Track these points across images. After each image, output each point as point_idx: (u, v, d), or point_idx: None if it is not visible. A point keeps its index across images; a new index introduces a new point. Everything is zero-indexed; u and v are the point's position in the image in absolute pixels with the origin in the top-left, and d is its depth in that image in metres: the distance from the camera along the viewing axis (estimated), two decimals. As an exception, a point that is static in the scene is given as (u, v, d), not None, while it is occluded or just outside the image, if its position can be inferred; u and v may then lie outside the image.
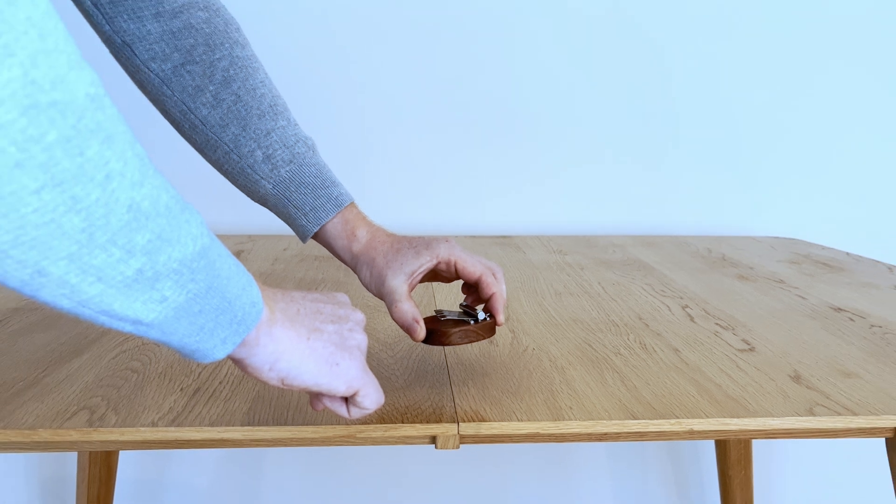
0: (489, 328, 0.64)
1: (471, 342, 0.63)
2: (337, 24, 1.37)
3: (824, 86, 1.45)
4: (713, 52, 1.42)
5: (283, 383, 0.46)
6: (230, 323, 0.41)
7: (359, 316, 0.53)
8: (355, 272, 0.67)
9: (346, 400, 0.51)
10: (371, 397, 0.50)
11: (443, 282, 0.68)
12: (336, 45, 1.38)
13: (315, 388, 0.48)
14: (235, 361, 0.45)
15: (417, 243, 0.66)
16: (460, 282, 0.68)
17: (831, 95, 1.45)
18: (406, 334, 0.65)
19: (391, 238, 0.67)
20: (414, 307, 0.62)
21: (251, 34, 0.73)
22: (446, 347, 0.73)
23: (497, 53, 1.40)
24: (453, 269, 0.65)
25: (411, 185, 1.43)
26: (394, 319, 0.62)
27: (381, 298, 0.64)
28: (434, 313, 0.67)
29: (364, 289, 0.67)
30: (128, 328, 0.37)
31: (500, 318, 0.64)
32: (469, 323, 0.63)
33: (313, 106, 1.39)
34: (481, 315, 0.64)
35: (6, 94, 0.28)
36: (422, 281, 0.67)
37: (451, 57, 1.40)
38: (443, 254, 0.64)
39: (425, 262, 0.64)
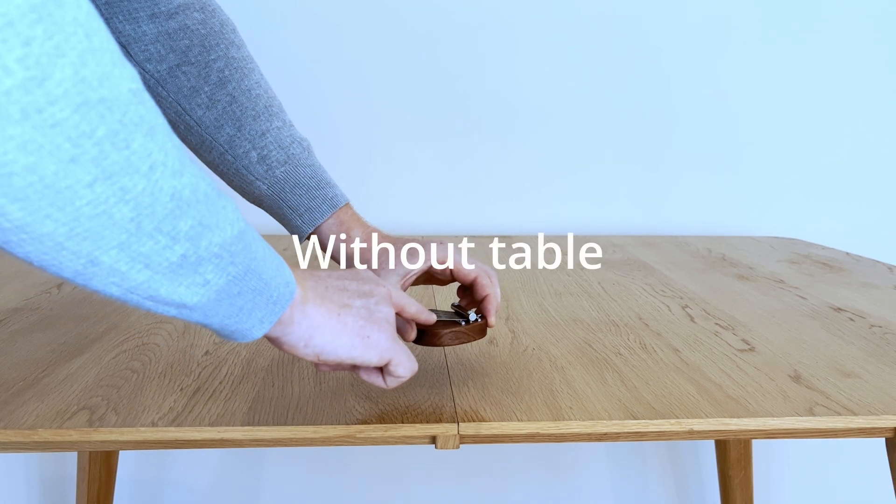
0: (480, 329, 0.64)
1: (461, 343, 0.63)
2: (338, 24, 1.37)
3: (824, 86, 1.45)
4: (713, 53, 1.42)
5: (318, 359, 0.48)
6: (266, 303, 0.43)
7: (383, 290, 0.54)
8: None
9: (381, 371, 0.53)
10: (404, 365, 0.52)
11: (438, 284, 0.68)
12: (337, 46, 1.38)
13: (349, 361, 0.50)
14: (272, 340, 0.47)
15: (412, 245, 0.66)
16: (458, 283, 0.68)
17: (831, 95, 1.45)
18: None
19: (386, 239, 0.67)
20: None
21: (249, 35, 0.73)
22: (445, 348, 0.73)
23: (497, 53, 1.40)
24: (448, 271, 0.65)
25: (411, 185, 1.43)
26: None
27: None
28: None
29: None
30: (172, 312, 0.39)
31: (492, 319, 0.64)
32: (460, 324, 0.63)
33: (313, 106, 1.39)
34: (472, 316, 0.64)
35: (60, 93, 0.30)
36: (417, 283, 0.67)
37: (451, 57, 1.40)
38: (437, 256, 0.65)
39: (418, 264, 0.64)
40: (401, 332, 0.61)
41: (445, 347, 0.73)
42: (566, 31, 1.40)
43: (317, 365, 0.52)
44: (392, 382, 0.54)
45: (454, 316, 0.65)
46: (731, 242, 1.36)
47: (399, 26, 1.38)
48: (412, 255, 0.65)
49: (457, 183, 1.44)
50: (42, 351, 0.71)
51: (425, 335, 0.62)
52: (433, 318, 0.60)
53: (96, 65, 0.31)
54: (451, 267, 0.65)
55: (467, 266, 0.65)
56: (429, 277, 0.67)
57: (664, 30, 1.41)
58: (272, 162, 0.67)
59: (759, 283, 1.03)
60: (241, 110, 0.66)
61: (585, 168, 1.45)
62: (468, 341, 0.63)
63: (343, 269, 0.55)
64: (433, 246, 0.65)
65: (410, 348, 0.56)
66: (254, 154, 0.66)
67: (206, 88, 0.66)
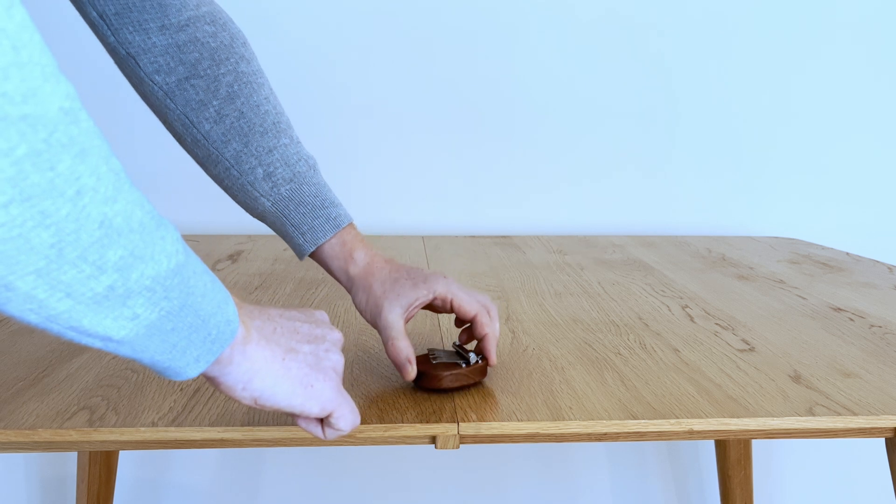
0: (481, 371, 0.63)
1: (462, 385, 0.62)
2: (338, 24, 1.37)
3: (824, 86, 1.45)
4: (713, 53, 1.42)
5: (255, 403, 0.46)
6: (204, 341, 0.41)
7: (335, 336, 0.53)
8: (350, 294, 0.67)
9: (322, 421, 0.50)
10: (346, 418, 0.50)
11: (434, 311, 0.68)
12: (336, 45, 1.38)
13: (288, 410, 0.47)
14: (209, 379, 0.44)
15: (415, 275, 0.65)
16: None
17: (831, 96, 1.45)
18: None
19: (389, 265, 0.67)
20: (409, 346, 0.61)
21: (247, 35, 0.73)
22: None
23: (497, 53, 1.40)
24: (449, 305, 0.65)
25: (412, 185, 1.43)
26: (388, 355, 0.62)
27: (376, 327, 0.63)
28: (426, 352, 0.66)
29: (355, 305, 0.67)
30: (97, 344, 0.37)
31: (493, 358, 0.64)
32: (461, 366, 0.62)
33: (313, 106, 1.39)
34: (473, 357, 0.63)
35: None
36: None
37: (451, 57, 1.40)
38: (440, 290, 0.64)
39: (421, 297, 0.64)
40: (402, 370, 0.61)
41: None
42: (567, 32, 1.40)
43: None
44: (331, 434, 0.50)
45: (455, 356, 0.65)
46: (731, 242, 1.36)
47: (400, 26, 1.38)
48: (416, 285, 0.64)
49: (457, 183, 1.44)
50: (42, 351, 0.71)
51: (426, 377, 0.61)
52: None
53: (21, 80, 0.29)
54: (453, 302, 0.65)
55: (468, 303, 0.65)
56: (428, 307, 0.67)
57: (664, 30, 1.41)
58: (277, 179, 0.66)
59: (759, 283, 1.03)
60: (248, 126, 0.66)
61: (585, 168, 1.45)
62: (469, 383, 0.62)
63: (297, 310, 0.53)
64: (437, 279, 0.65)
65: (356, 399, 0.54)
66: (259, 171, 0.66)
67: (215, 102, 0.65)
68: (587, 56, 1.41)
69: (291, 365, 0.47)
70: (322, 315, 0.55)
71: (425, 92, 1.41)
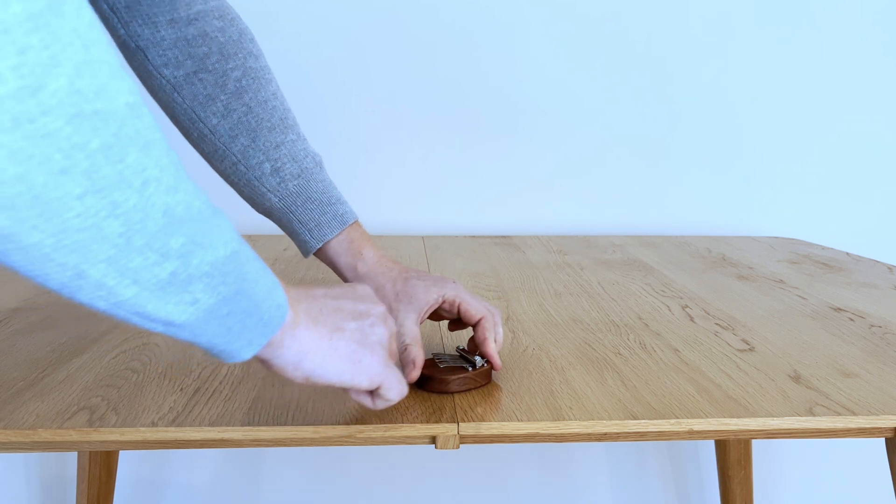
0: (486, 374, 0.64)
1: (468, 389, 0.62)
2: (338, 23, 1.37)
3: (824, 86, 1.45)
4: (712, 53, 1.42)
5: (307, 381, 0.48)
6: (257, 325, 0.42)
7: (379, 309, 0.54)
8: None
9: (371, 392, 0.53)
10: (394, 389, 0.52)
11: (435, 319, 0.68)
12: (336, 44, 1.38)
13: (339, 385, 0.49)
14: (261, 361, 0.46)
15: (426, 278, 0.66)
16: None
17: (831, 95, 1.45)
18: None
19: (398, 266, 0.67)
20: (422, 354, 0.61)
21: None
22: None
23: (497, 53, 1.40)
24: (455, 309, 0.65)
25: (412, 185, 1.43)
26: (400, 357, 0.61)
27: None
28: (431, 356, 0.66)
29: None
30: (159, 329, 0.38)
31: (497, 361, 0.64)
32: (467, 369, 0.63)
33: (313, 105, 1.39)
34: (479, 361, 0.64)
35: (53, 104, 0.29)
36: None
37: (451, 57, 1.40)
38: (449, 294, 0.65)
39: (432, 299, 0.64)
40: (407, 372, 0.61)
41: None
42: (567, 31, 1.40)
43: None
44: (380, 404, 0.53)
45: (459, 360, 0.65)
46: (731, 242, 1.36)
47: (400, 27, 1.38)
48: (427, 288, 0.65)
49: (457, 183, 1.44)
50: (42, 351, 0.71)
51: (433, 381, 0.61)
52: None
53: (92, 76, 0.31)
54: (460, 306, 0.65)
55: (475, 307, 0.65)
56: (433, 313, 0.67)
57: (664, 30, 1.41)
58: (285, 175, 0.66)
59: (759, 283, 1.03)
60: (256, 121, 0.66)
61: (585, 168, 1.45)
62: (475, 387, 0.62)
63: (340, 287, 0.54)
64: (447, 283, 0.66)
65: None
66: (267, 166, 0.66)
67: (223, 97, 0.65)
68: (588, 56, 1.41)
69: (339, 343, 0.49)
70: (364, 289, 0.56)
71: (425, 92, 1.41)
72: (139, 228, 0.34)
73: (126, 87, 0.33)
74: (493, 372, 0.65)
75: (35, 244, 0.31)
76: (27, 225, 0.31)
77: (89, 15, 0.31)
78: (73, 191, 0.31)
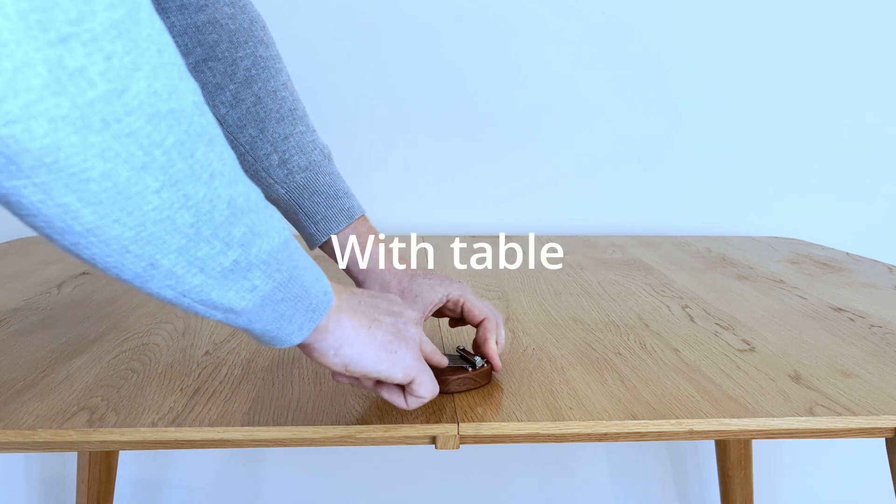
0: (486, 374, 0.64)
1: (468, 389, 0.62)
2: (340, 23, 1.37)
3: (824, 86, 1.45)
4: (712, 53, 1.42)
5: (346, 369, 0.49)
6: (306, 310, 0.44)
7: (412, 314, 0.55)
8: (361, 286, 0.67)
9: (403, 390, 0.54)
10: (426, 386, 0.53)
11: (437, 316, 0.68)
12: (339, 46, 1.38)
13: (374, 374, 0.50)
14: (304, 347, 0.48)
15: (431, 275, 0.66)
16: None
17: (831, 95, 1.45)
18: None
19: (405, 262, 0.67)
20: (434, 348, 0.61)
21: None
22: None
23: (498, 54, 1.40)
24: (459, 308, 0.66)
25: (411, 185, 1.43)
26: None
27: None
28: None
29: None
30: (219, 316, 0.41)
31: (498, 363, 0.64)
32: (467, 370, 0.63)
33: (313, 105, 1.39)
34: (479, 361, 0.64)
35: (136, 104, 0.32)
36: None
37: (452, 58, 1.40)
38: (454, 294, 0.65)
39: (438, 298, 0.65)
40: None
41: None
42: (569, 33, 1.40)
43: (336, 375, 0.53)
44: (413, 403, 0.54)
45: (460, 360, 0.65)
46: (731, 242, 1.36)
47: (401, 26, 1.38)
48: (433, 286, 0.65)
49: (456, 183, 1.44)
50: (42, 351, 0.71)
51: None
52: (445, 361, 0.60)
53: (167, 78, 0.33)
54: (464, 306, 0.65)
55: (478, 307, 0.65)
56: (437, 311, 0.67)
57: (664, 30, 1.41)
58: (293, 167, 0.66)
59: (759, 283, 1.03)
60: (265, 111, 0.65)
61: (585, 168, 1.45)
62: (475, 387, 0.62)
63: (374, 292, 0.57)
64: (452, 283, 0.66)
65: None
66: (275, 157, 0.65)
67: (232, 86, 0.65)
68: (588, 58, 1.41)
69: (377, 333, 0.50)
70: (395, 297, 0.58)
71: (426, 93, 1.41)
72: (207, 219, 0.36)
73: (192, 86, 0.35)
74: (493, 372, 0.65)
75: (116, 237, 0.34)
76: (110, 219, 0.33)
77: (159, 21, 0.34)
78: (151, 185, 0.33)
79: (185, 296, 0.38)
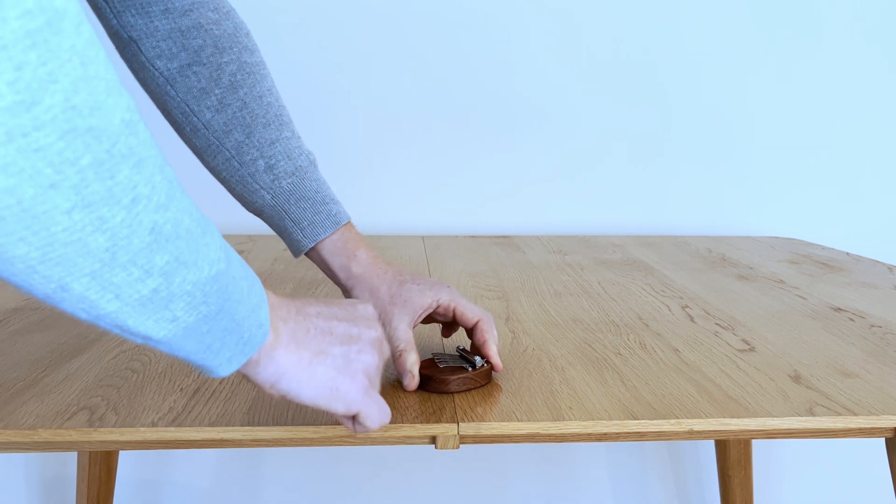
0: (486, 374, 0.64)
1: (468, 389, 0.62)
2: (338, 22, 1.37)
3: (824, 85, 1.45)
4: (712, 52, 1.42)
5: (284, 399, 0.48)
6: (236, 343, 0.42)
7: (371, 334, 0.52)
8: (348, 293, 0.66)
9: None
10: (372, 418, 0.50)
11: (427, 322, 0.68)
12: (333, 43, 1.38)
13: (314, 407, 0.49)
14: (243, 374, 0.46)
15: (420, 281, 0.65)
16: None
17: (831, 95, 1.45)
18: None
19: (392, 268, 0.66)
20: (417, 358, 0.61)
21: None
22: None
23: (497, 53, 1.40)
24: (451, 313, 0.65)
25: (411, 185, 1.43)
26: (395, 364, 0.62)
27: None
28: (431, 356, 0.66)
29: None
30: (139, 341, 0.38)
31: (499, 363, 0.64)
32: (467, 370, 0.63)
33: (313, 105, 1.39)
34: (479, 361, 0.64)
35: (48, 119, 0.30)
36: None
37: (450, 56, 1.40)
38: (444, 299, 0.65)
39: (427, 303, 0.64)
40: (404, 380, 0.61)
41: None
42: (567, 32, 1.40)
43: None
44: (360, 429, 0.52)
45: (459, 360, 0.65)
46: (731, 242, 1.36)
47: (398, 24, 1.38)
48: (422, 292, 0.64)
49: (456, 183, 1.44)
50: (42, 351, 0.71)
51: (433, 381, 0.61)
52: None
53: (89, 93, 0.31)
54: (455, 310, 0.65)
55: (471, 310, 0.65)
56: (428, 317, 0.67)
57: (663, 30, 1.41)
58: (279, 172, 0.65)
59: (759, 283, 1.03)
60: (251, 116, 0.65)
61: (585, 168, 1.45)
62: (475, 387, 0.62)
63: (339, 305, 0.53)
64: (442, 288, 0.65)
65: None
66: (261, 162, 0.65)
67: (217, 91, 0.64)
68: (587, 57, 1.41)
69: (318, 369, 0.47)
70: (365, 309, 0.54)
71: (425, 92, 1.41)
72: (125, 245, 0.34)
73: (123, 103, 0.33)
74: (493, 372, 0.65)
75: (21, 256, 0.32)
76: (14, 237, 0.31)
77: (88, 32, 0.32)
78: (61, 205, 0.31)
79: (100, 320, 0.36)
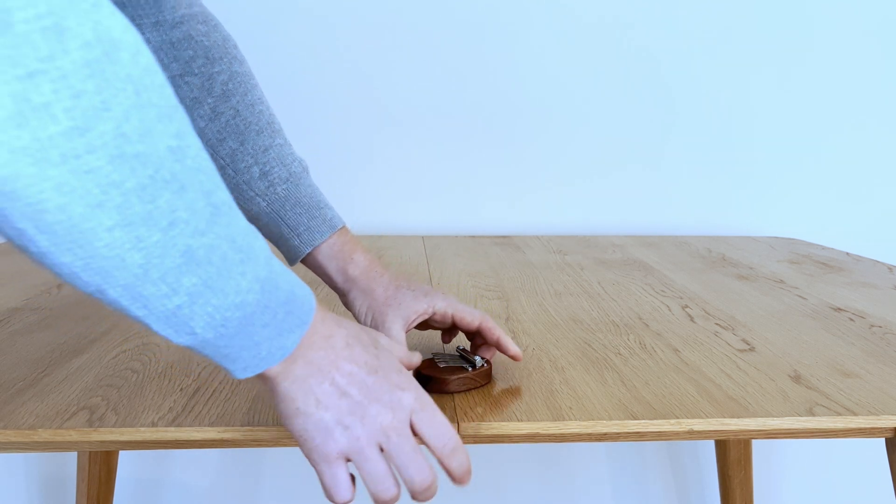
0: (486, 374, 0.64)
1: (469, 389, 0.62)
2: (338, 23, 1.37)
3: (823, 86, 1.45)
4: (712, 53, 1.42)
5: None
6: (252, 358, 0.44)
7: (408, 398, 0.50)
8: (345, 296, 0.67)
9: None
10: (325, 486, 0.55)
11: (421, 329, 0.68)
12: (336, 45, 1.38)
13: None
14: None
15: (416, 287, 0.66)
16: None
17: (831, 95, 1.45)
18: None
19: (388, 273, 0.67)
20: (419, 357, 0.61)
21: (242, 32, 0.73)
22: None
23: (498, 53, 1.40)
24: (449, 319, 0.65)
25: (411, 185, 1.43)
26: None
27: None
28: (431, 356, 0.66)
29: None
30: (162, 337, 0.42)
31: (518, 350, 0.65)
32: (467, 370, 0.63)
33: (314, 106, 1.39)
34: (479, 361, 0.64)
35: (99, 144, 0.32)
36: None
37: (451, 57, 1.40)
38: (440, 306, 0.65)
39: (422, 309, 0.64)
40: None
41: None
42: (568, 33, 1.40)
43: None
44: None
45: (459, 360, 0.65)
46: (731, 242, 1.36)
47: (399, 26, 1.38)
48: (416, 298, 0.64)
49: (456, 183, 1.44)
50: (42, 351, 0.71)
51: (433, 381, 0.61)
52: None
53: (140, 120, 0.34)
54: (454, 316, 0.65)
55: (470, 313, 0.65)
56: (423, 324, 0.67)
57: (663, 31, 1.41)
58: (274, 178, 0.65)
59: (759, 283, 1.03)
60: (244, 124, 0.65)
61: (585, 168, 1.45)
62: (476, 387, 0.62)
63: (377, 358, 0.51)
64: (437, 295, 0.66)
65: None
66: (256, 170, 0.65)
67: (210, 100, 0.65)
68: (587, 57, 1.41)
69: (297, 420, 0.48)
70: (401, 379, 0.51)
71: (425, 92, 1.41)
72: (157, 263, 0.37)
73: (173, 129, 0.36)
74: (493, 372, 0.65)
75: (67, 263, 0.35)
76: (63, 248, 0.34)
77: (146, 59, 0.34)
78: (104, 223, 0.34)
79: (128, 317, 0.40)
